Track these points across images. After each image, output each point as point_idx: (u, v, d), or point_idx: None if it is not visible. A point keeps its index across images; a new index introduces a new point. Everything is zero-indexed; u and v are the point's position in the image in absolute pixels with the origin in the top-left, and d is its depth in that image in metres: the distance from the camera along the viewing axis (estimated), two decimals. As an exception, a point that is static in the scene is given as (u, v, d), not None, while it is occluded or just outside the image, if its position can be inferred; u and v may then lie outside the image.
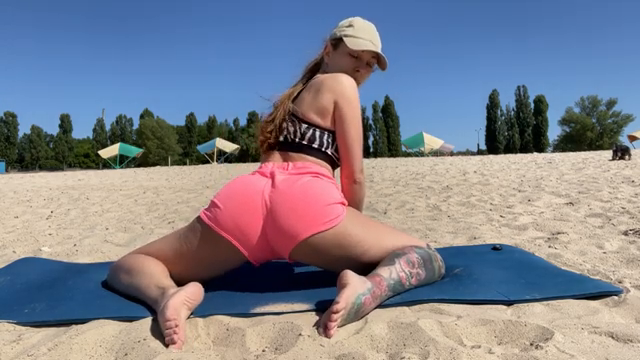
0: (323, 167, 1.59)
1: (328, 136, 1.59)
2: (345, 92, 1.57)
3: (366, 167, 9.50)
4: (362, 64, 1.68)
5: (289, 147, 1.59)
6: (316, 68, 1.78)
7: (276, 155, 1.60)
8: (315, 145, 1.58)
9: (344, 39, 1.65)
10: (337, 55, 1.69)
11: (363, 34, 1.66)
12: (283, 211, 1.42)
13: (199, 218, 1.49)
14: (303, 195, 1.44)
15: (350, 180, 1.62)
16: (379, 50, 1.68)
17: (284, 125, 1.61)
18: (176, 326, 1.12)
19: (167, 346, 1.10)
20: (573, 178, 6.47)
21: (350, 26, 1.68)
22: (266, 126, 1.64)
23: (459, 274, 1.57)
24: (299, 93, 1.67)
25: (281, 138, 1.61)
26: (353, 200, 1.64)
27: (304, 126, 1.58)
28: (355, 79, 1.66)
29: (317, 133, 1.58)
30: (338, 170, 1.70)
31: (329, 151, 1.61)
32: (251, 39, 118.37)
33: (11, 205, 5.28)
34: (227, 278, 1.60)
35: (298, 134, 1.58)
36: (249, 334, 1.14)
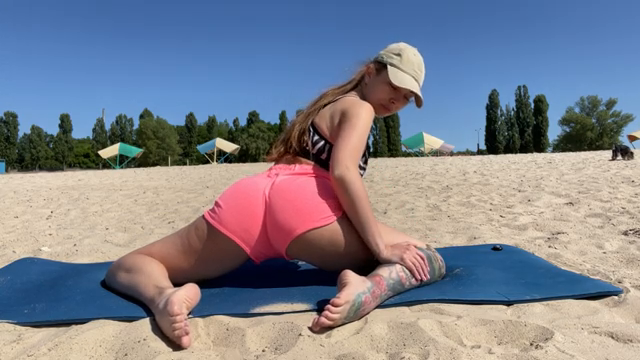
0: (327, 174, 1.59)
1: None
2: (349, 110, 1.55)
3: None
4: (399, 97, 1.67)
5: (301, 153, 1.63)
6: (354, 85, 1.74)
7: (288, 159, 1.64)
8: (323, 157, 1.61)
9: (389, 68, 1.63)
10: (377, 80, 1.67)
11: (408, 68, 1.64)
12: (280, 206, 1.45)
13: (202, 217, 1.53)
14: (300, 191, 1.47)
15: (331, 175, 1.44)
16: (418, 91, 1.64)
17: (304, 134, 1.63)
18: (185, 320, 1.12)
19: (175, 342, 1.09)
20: (573, 178, 6.47)
21: (398, 55, 1.65)
22: (290, 131, 1.66)
23: (459, 274, 1.57)
24: (325, 105, 1.67)
25: (297, 144, 1.64)
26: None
27: (316, 137, 1.61)
28: (389, 109, 1.69)
29: (327, 146, 1.60)
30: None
31: None
32: (251, 39, 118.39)
33: (11, 205, 5.27)
34: (227, 278, 1.61)
35: (310, 143, 1.61)
36: (249, 334, 1.14)
